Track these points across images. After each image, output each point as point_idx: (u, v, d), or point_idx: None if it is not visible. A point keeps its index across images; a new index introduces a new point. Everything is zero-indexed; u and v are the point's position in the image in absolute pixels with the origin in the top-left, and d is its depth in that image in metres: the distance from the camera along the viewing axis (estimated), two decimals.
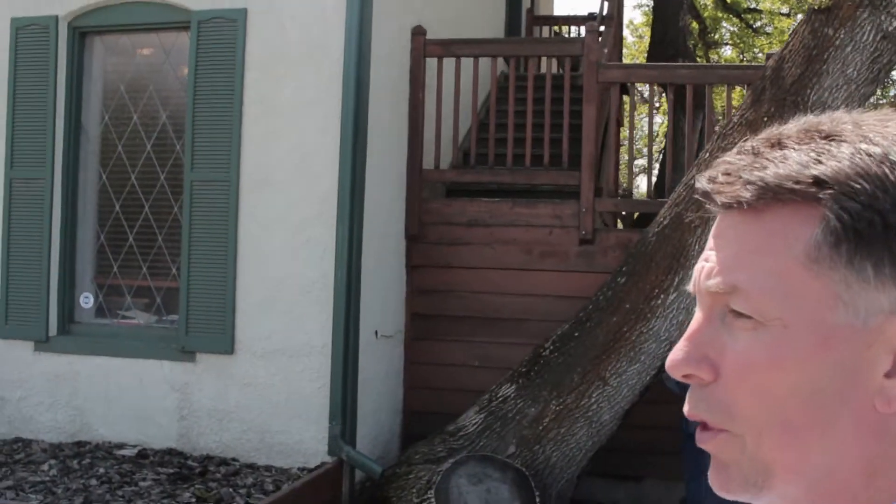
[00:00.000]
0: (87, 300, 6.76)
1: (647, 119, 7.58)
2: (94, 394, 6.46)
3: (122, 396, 6.38)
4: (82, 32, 6.71)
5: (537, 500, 5.41)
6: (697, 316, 0.78)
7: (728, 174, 0.76)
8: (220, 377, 6.19)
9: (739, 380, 0.74)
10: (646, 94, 14.87)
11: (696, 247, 5.82)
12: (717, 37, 17.82)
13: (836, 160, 0.72)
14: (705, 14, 17.10)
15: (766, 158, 0.75)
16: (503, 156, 7.27)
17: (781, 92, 5.70)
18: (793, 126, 0.79)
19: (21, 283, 6.63)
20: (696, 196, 0.81)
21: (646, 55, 14.17)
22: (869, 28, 5.55)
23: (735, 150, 0.79)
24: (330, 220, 6.04)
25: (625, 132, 17.47)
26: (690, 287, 0.80)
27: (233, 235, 6.18)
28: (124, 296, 6.72)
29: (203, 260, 6.26)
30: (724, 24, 18.27)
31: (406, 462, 6.02)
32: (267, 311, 6.13)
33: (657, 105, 16.27)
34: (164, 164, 6.59)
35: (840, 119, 0.76)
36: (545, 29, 12.91)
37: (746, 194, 0.73)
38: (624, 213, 10.13)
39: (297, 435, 6.03)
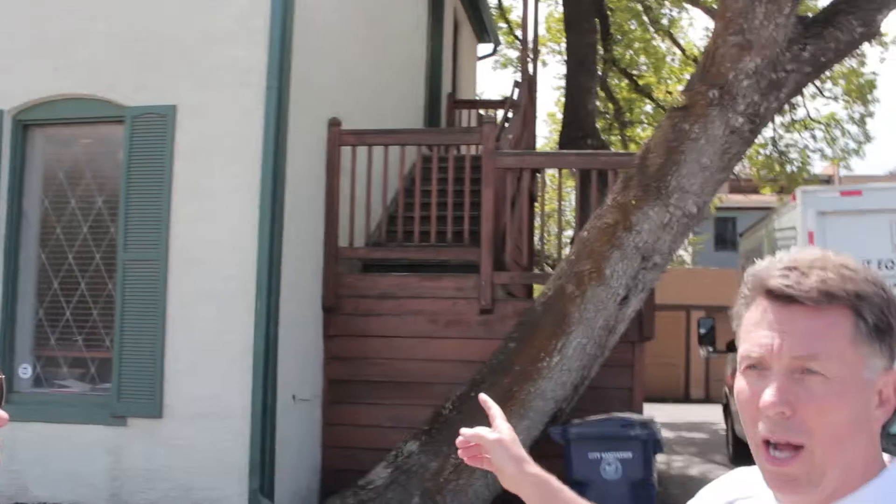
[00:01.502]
0: (25, 371, 7.30)
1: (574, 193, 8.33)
2: (32, 458, 6.94)
3: (58, 460, 6.89)
4: (25, 125, 7.36)
5: None
6: (777, 376, 1.19)
7: (799, 283, 1.21)
8: (149, 439, 6.75)
9: (817, 413, 1.18)
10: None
11: (577, 314, 6.57)
12: (631, 117, 18.87)
13: (855, 283, 1.21)
14: (619, 96, 18.19)
15: (816, 276, 1.21)
16: (412, 233, 8.01)
17: (646, 178, 6.52)
18: (805, 255, 1.26)
19: None
20: (764, 293, 1.24)
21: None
22: (719, 123, 6.43)
23: (780, 265, 1.25)
24: (251, 294, 6.69)
25: (553, 205, 18.45)
26: (757, 355, 1.22)
27: (162, 310, 6.80)
28: (61, 366, 7.28)
29: (134, 332, 6.85)
30: (646, 104, 19.35)
31: None
32: (193, 378, 6.72)
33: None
34: (99, 244, 7.21)
35: (828, 253, 1.26)
36: (465, 112, 13.75)
37: (822, 298, 1.20)
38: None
39: (221, 491, 6.59)
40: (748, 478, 1.41)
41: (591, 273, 6.59)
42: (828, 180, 26.91)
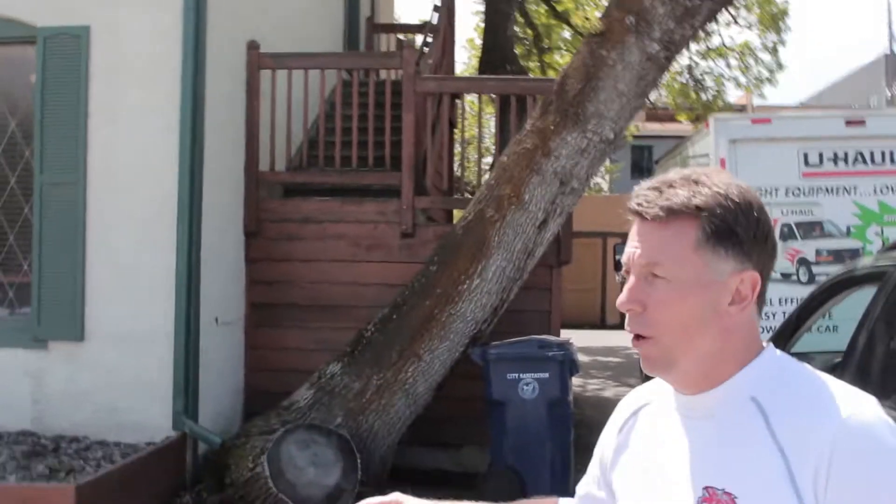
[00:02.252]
0: None
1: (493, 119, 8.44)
2: None
3: None
4: None
5: (359, 460, 6.19)
6: (631, 279, 1.41)
7: (649, 201, 1.40)
8: (71, 362, 6.74)
9: (661, 310, 1.39)
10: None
11: (496, 238, 6.70)
12: (550, 43, 18.92)
13: (703, 196, 1.38)
14: (538, 22, 18.21)
15: (667, 193, 1.40)
16: (333, 158, 8.02)
17: (565, 104, 6.62)
18: (675, 175, 1.44)
19: None
20: (629, 211, 1.44)
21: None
22: (636, 50, 6.53)
23: (647, 185, 1.44)
24: (172, 217, 6.68)
25: (473, 131, 18.52)
26: (624, 261, 1.44)
27: (81, 233, 6.74)
28: None
29: (53, 256, 6.79)
30: (564, 30, 19.38)
31: (244, 434, 6.70)
32: (115, 301, 6.71)
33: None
34: (14, 168, 7.08)
35: (700, 172, 1.44)
36: (384, 37, 13.65)
37: (662, 213, 1.39)
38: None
39: (145, 413, 6.64)
40: (648, 389, 1.64)
41: (510, 197, 6.70)
42: (742, 109, 27.43)
